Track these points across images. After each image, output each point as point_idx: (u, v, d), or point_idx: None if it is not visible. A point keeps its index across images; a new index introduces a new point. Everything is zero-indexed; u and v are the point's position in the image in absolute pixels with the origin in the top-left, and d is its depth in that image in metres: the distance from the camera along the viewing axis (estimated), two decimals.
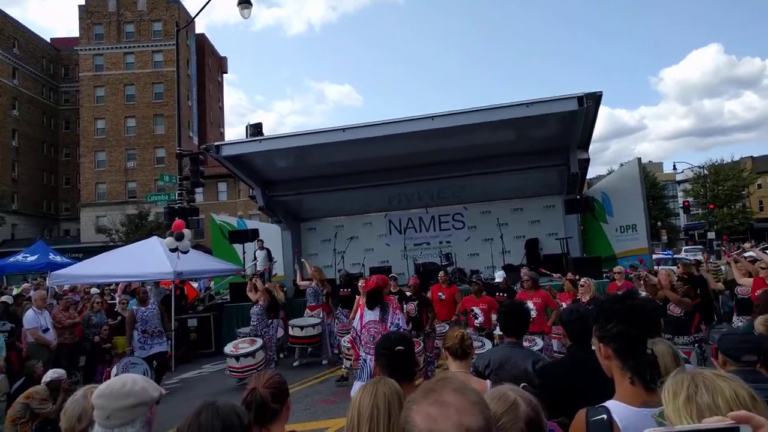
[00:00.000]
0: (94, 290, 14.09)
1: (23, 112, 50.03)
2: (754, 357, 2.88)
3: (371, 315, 5.53)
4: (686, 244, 52.87)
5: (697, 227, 55.80)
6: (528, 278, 8.16)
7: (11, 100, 48.76)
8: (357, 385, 5.45)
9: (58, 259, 20.03)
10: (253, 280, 10.38)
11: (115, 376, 6.77)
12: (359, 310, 5.80)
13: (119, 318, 10.75)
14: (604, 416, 1.95)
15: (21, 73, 50.18)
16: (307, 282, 11.39)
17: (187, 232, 11.18)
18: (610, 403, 2.02)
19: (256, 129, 13.75)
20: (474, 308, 8.51)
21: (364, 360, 5.41)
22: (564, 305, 8.07)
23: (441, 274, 9.88)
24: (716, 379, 1.34)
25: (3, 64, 48.06)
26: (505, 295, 8.90)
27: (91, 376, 10.13)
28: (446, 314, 9.43)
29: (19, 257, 20.10)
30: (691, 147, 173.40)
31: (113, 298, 13.07)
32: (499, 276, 9.94)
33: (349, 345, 7.72)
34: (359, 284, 6.38)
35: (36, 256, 19.70)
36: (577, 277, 9.12)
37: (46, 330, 9.16)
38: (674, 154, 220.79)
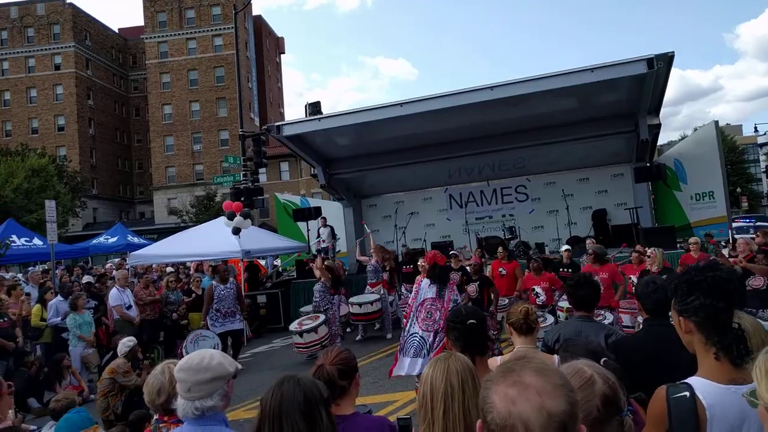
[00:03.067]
0: (169, 269, 14.85)
1: (97, 102, 52.80)
2: None
3: (429, 292, 5.50)
4: None
5: None
6: (592, 252, 7.90)
7: (86, 91, 51.51)
8: (404, 361, 5.48)
9: (136, 240, 21.27)
10: (315, 262, 10.55)
11: (185, 347, 7.17)
12: (416, 286, 5.76)
13: (194, 295, 11.28)
14: (687, 393, 1.87)
15: (93, 64, 52.82)
16: (366, 258, 11.49)
17: (242, 212, 11.53)
18: (693, 380, 1.92)
19: (314, 108, 13.88)
20: (535, 287, 8.36)
21: (421, 336, 5.39)
22: (632, 278, 7.80)
23: (500, 249, 9.72)
24: None
25: (78, 56, 50.70)
26: (570, 270, 8.68)
27: (171, 350, 10.73)
28: (507, 290, 9.29)
29: (101, 239, 21.48)
30: None
31: (187, 276, 13.71)
32: (564, 250, 9.73)
33: None
34: (419, 262, 6.35)
35: (116, 238, 20.99)
36: (645, 248, 8.74)
37: (129, 307, 9.76)
38: (755, 115, 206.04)
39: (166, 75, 50.87)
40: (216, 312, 9.19)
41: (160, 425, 2.47)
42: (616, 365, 2.01)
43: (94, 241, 21.64)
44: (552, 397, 0.97)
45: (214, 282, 9.81)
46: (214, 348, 8.68)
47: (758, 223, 21.49)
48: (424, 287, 5.57)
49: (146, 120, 53.28)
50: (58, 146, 48.63)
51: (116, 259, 20.02)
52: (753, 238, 9.84)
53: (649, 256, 7.61)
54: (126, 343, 6.30)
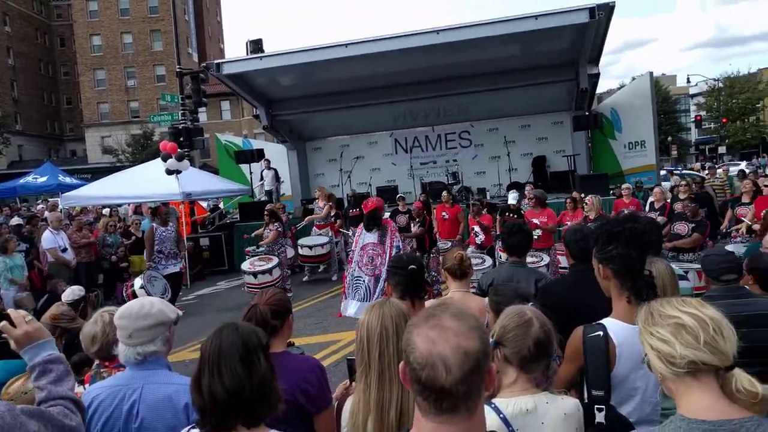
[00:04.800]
0: (106, 211, 14.33)
1: (15, 29, 48.37)
2: (733, 275, 2.99)
3: (370, 237, 5.60)
4: (696, 160, 52.38)
5: (708, 142, 55.02)
6: (533, 196, 8.22)
7: (1, 16, 47.10)
8: (350, 303, 5.66)
9: (68, 180, 20.18)
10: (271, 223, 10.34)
11: (140, 287, 7.05)
12: (359, 230, 5.84)
13: (133, 238, 11.01)
14: (600, 333, 2.06)
15: None
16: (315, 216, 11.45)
17: (177, 154, 11.23)
18: (606, 321, 2.12)
19: (256, 45, 13.34)
20: (474, 227, 8.73)
21: (362, 279, 5.54)
22: (568, 223, 8.18)
23: (444, 193, 10.01)
24: (667, 308, 1.41)
25: None
26: (515, 216, 9.04)
27: (110, 293, 10.54)
28: (449, 233, 9.63)
29: (29, 178, 20.24)
30: (708, 58, 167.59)
31: (121, 219, 13.29)
32: (513, 198, 10.06)
33: None
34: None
35: (46, 177, 19.82)
36: (582, 195, 9.15)
37: (64, 250, 9.44)
38: (690, 66, 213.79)
39: (93, 2, 46.96)
40: (158, 254, 9.06)
41: (101, 370, 2.50)
42: (541, 310, 2.17)
43: (22, 181, 20.38)
44: (467, 337, 1.08)
45: (154, 224, 9.60)
46: (164, 288, 8.66)
47: (684, 172, 22.76)
48: (366, 232, 5.67)
49: (73, 51, 49.54)
50: None
51: (55, 200, 19.00)
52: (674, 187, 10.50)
53: (586, 203, 7.95)
54: (76, 291, 6.15)
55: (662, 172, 18.61)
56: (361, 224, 5.77)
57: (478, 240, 8.62)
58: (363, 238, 5.64)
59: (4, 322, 1.70)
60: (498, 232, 8.73)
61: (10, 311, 1.75)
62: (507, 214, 9.18)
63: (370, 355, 1.87)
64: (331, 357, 6.35)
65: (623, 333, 2.02)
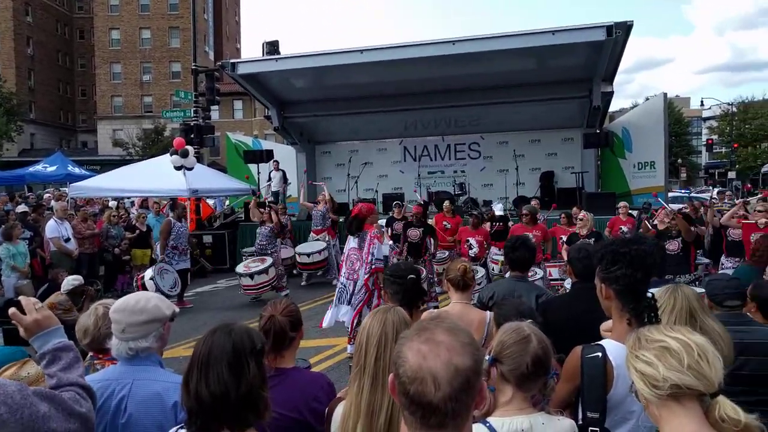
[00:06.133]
0: (112, 203, 14.38)
1: (37, 19, 48.92)
2: (737, 302, 2.95)
3: (352, 242, 5.59)
4: (705, 183, 52.06)
5: (718, 166, 54.67)
6: (527, 212, 8.29)
7: (24, 5, 47.61)
8: (333, 310, 5.64)
9: (77, 170, 20.31)
10: (271, 211, 10.40)
11: (150, 278, 7.12)
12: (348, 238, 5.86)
13: (137, 231, 11.03)
14: (599, 354, 2.03)
15: None
16: (311, 205, 11.47)
17: (190, 148, 11.27)
18: (606, 342, 2.08)
19: (272, 47, 13.41)
20: (469, 239, 8.77)
21: (344, 285, 5.51)
22: (562, 238, 8.23)
23: (446, 203, 10.07)
24: (654, 333, 1.41)
25: None
26: (501, 224, 9.10)
27: (110, 285, 10.55)
28: (449, 243, 9.64)
29: (39, 167, 20.39)
30: (723, 83, 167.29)
31: (126, 211, 13.33)
32: (499, 209, 10.12)
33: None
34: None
35: (55, 167, 19.96)
36: (581, 210, 9.15)
37: (67, 240, 9.47)
38: (704, 89, 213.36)
39: None
40: (173, 249, 9.07)
41: (95, 362, 2.48)
42: (538, 325, 2.13)
43: (31, 169, 20.54)
44: (459, 353, 1.05)
45: (171, 218, 9.64)
46: (175, 282, 8.68)
47: (692, 195, 22.63)
48: (349, 237, 5.66)
49: (91, 44, 49.98)
50: None
51: (63, 189, 19.11)
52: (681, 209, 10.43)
53: (581, 219, 7.96)
54: (71, 281, 6.15)
55: (671, 194, 18.43)
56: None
57: (471, 253, 8.68)
58: (347, 243, 5.64)
59: (13, 309, 1.70)
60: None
61: (21, 299, 1.74)
62: (494, 223, 9.24)
63: (366, 358, 1.85)
64: (326, 362, 6.32)
65: (622, 355, 1.95)
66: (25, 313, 1.69)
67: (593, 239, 6.87)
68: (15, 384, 1.40)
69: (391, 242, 6.30)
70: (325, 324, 5.65)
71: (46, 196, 18.00)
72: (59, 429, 1.47)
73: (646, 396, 1.35)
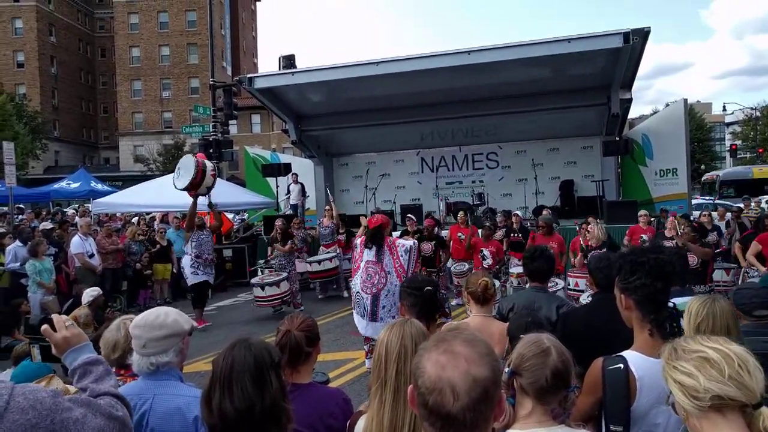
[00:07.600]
0: (135, 219, 14.59)
1: (60, 39, 50.24)
2: (766, 311, 2.88)
3: (369, 254, 5.50)
4: (728, 189, 51.00)
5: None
6: (543, 224, 8.23)
7: (48, 26, 48.94)
8: (357, 319, 5.60)
9: (100, 186, 20.73)
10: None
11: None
12: (360, 246, 5.64)
13: (158, 246, 11.17)
14: (621, 366, 1.99)
15: None
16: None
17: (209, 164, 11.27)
18: (627, 353, 2.04)
19: (288, 61, 13.55)
20: (483, 250, 8.74)
21: (361, 296, 5.45)
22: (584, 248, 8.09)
23: (460, 214, 10.02)
24: (691, 343, 1.38)
25: None
26: (520, 235, 9.03)
27: (133, 300, 10.68)
28: (466, 254, 9.56)
29: (63, 184, 20.84)
30: (742, 87, 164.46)
31: (148, 226, 13.49)
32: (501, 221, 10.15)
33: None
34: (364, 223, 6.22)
35: (79, 183, 20.39)
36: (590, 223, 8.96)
37: (91, 255, 9.62)
38: (724, 93, 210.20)
39: (135, 15, 48.59)
40: (197, 258, 8.96)
41: (117, 378, 2.50)
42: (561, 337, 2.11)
43: (56, 186, 21.00)
44: (478, 364, 1.06)
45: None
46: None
47: (717, 202, 22.20)
48: (366, 249, 5.54)
49: (112, 62, 51.10)
50: (17, 84, 46.30)
51: (87, 205, 19.47)
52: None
53: (589, 232, 7.77)
54: (90, 293, 6.24)
55: (694, 202, 18.10)
56: (362, 238, 5.63)
57: (485, 264, 8.64)
58: (364, 254, 5.53)
59: (46, 326, 1.73)
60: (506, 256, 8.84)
61: (54, 316, 1.78)
62: (512, 234, 9.17)
63: (386, 372, 1.83)
64: (345, 376, 6.30)
65: (644, 366, 1.95)
66: (56, 331, 1.73)
67: (604, 249, 6.74)
68: (47, 390, 1.42)
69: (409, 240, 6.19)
70: (362, 331, 5.59)
71: (70, 212, 18.35)
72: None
73: (687, 408, 1.32)
